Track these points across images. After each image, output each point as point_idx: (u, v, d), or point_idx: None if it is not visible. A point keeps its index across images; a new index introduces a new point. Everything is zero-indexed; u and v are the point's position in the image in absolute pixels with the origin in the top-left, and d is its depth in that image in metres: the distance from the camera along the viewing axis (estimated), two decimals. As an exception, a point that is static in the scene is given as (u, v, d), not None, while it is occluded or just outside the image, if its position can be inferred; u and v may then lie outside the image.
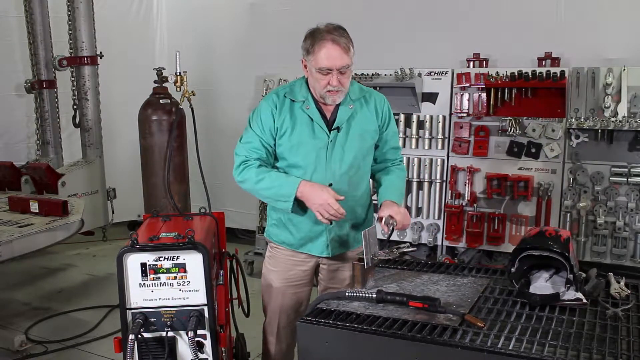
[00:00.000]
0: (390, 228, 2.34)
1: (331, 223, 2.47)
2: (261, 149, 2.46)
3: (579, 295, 2.01)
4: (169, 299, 2.22)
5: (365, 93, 2.56)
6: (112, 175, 5.63)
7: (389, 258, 2.35)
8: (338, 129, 2.45)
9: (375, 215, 2.53)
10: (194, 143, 3.84)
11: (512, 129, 4.27)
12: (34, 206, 4.34)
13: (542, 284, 2.07)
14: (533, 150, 4.23)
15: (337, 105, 2.46)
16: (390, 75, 4.58)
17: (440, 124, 4.52)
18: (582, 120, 4.00)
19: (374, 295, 2.03)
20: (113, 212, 5.51)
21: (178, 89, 3.91)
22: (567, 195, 4.12)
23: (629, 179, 3.90)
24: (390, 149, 2.65)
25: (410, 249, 2.43)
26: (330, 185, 2.42)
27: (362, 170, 2.55)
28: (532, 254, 2.11)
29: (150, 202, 4.07)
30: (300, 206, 2.42)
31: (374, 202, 2.65)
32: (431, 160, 4.56)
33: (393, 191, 2.54)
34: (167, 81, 4.05)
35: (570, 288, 2.02)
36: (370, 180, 2.72)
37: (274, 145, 2.48)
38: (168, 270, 2.20)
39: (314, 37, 2.36)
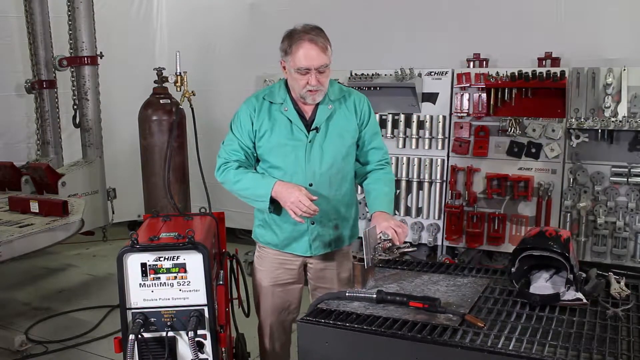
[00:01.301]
0: (388, 245, 2.32)
1: (313, 223, 2.50)
2: (240, 151, 2.50)
3: (579, 295, 2.01)
4: (169, 299, 2.22)
5: (345, 93, 2.56)
6: (112, 175, 5.63)
7: (389, 258, 2.35)
8: (317, 129, 2.46)
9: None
10: (194, 143, 3.84)
11: (512, 129, 4.27)
12: (34, 206, 4.34)
13: (542, 284, 2.07)
14: (533, 150, 4.24)
15: (317, 106, 2.48)
16: (390, 75, 4.59)
17: (440, 124, 4.52)
18: (582, 120, 4.00)
19: (374, 296, 2.03)
20: (113, 212, 5.51)
21: (178, 89, 3.91)
22: (567, 195, 4.12)
23: (629, 179, 3.91)
24: (371, 149, 2.60)
25: (410, 249, 2.43)
26: (311, 185, 2.45)
27: (343, 170, 2.54)
28: (533, 254, 2.11)
29: (150, 202, 4.07)
30: (279, 207, 2.43)
31: (358, 204, 2.65)
32: (431, 160, 4.57)
33: (382, 201, 2.51)
34: (167, 81, 4.06)
35: (570, 288, 2.02)
36: (356, 181, 2.71)
37: (253, 147, 2.51)
38: (168, 270, 2.20)
39: (291, 38, 2.38)
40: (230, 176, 2.47)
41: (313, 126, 2.47)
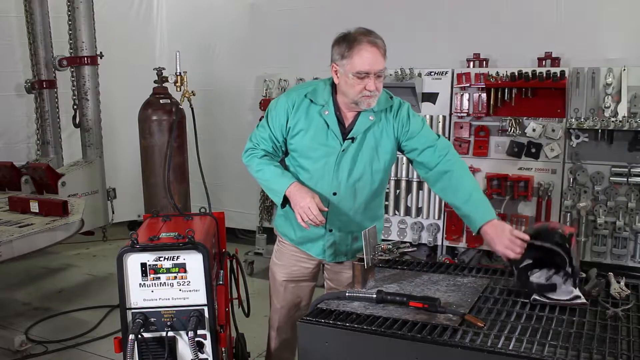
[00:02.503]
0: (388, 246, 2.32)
1: (331, 230, 2.49)
2: (268, 141, 2.47)
3: (579, 294, 2.01)
4: (169, 299, 2.21)
5: (389, 105, 2.44)
6: (112, 175, 5.63)
7: (389, 258, 2.35)
8: (353, 139, 2.39)
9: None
10: (194, 143, 3.84)
11: (512, 129, 4.27)
12: (34, 206, 4.34)
13: (541, 283, 2.07)
14: (533, 150, 4.24)
15: (358, 115, 2.40)
16: (390, 75, 4.59)
17: (441, 124, 4.52)
18: (582, 120, 4.00)
19: (374, 296, 2.03)
20: (113, 212, 5.50)
21: (178, 89, 3.91)
22: (567, 195, 4.12)
23: (629, 179, 3.91)
24: (426, 149, 2.40)
25: (410, 249, 2.43)
26: (335, 194, 2.42)
27: (373, 184, 2.46)
28: (534, 245, 2.11)
29: (150, 202, 4.07)
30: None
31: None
32: (431, 160, 4.56)
33: (478, 206, 2.36)
34: (167, 81, 4.05)
35: (567, 281, 2.02)
36: (433, 190, 2.52)
37: (283, 142, 2.48)
38: (168, 270, 2.20)
39: (350, 41, 2.28)
40: (254, 163, 2.47)
41: (350, 135, 2.38)
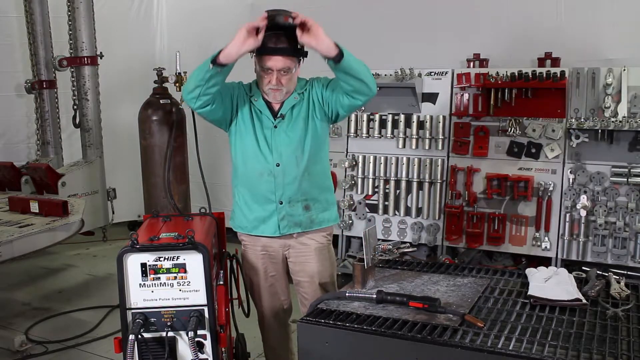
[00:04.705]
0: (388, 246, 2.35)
1: (281, 202, 2.57)
2: None
3: (579, 295, 2.01)
4: (169, 299, 2.22)
5: (308, 85, 2.68)
6: (112, 175, 5.63)
7: (389, 258, 2.35)
8: (282, 116, 2.59)
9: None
10: (194, 143, 3.84)
11: (512, 129, 4.28)
12: (34, 206, 4.34)
13: (540, 284, 2.07)
14: (533, 150, 4.24)
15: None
16: (391, 75, 4.59)
17: (440, 124, 4.52)
18: (582, 120, 4.00)
19: (374, 296, 2.03)
20: (113, 212, 5.50)
21: (178, 89, 3.90)
22: (567, 195, 4.12)
23: (629, 179, 3.91)
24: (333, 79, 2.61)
25: (410, 249, 2.44)
26: (278, 165, 2.57)
27: (311, 152, 2.61)
28: None
29: (150, 202, 4.06)
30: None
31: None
32: (431, 160, 4.57)
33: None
34: (167, 81, 4.05)
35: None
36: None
37: (230, 96, 2.61)
38: (168, 271, 2.20)
39: None
40: (191, 74, 2.57)
41: (279, 114, 2.60)
